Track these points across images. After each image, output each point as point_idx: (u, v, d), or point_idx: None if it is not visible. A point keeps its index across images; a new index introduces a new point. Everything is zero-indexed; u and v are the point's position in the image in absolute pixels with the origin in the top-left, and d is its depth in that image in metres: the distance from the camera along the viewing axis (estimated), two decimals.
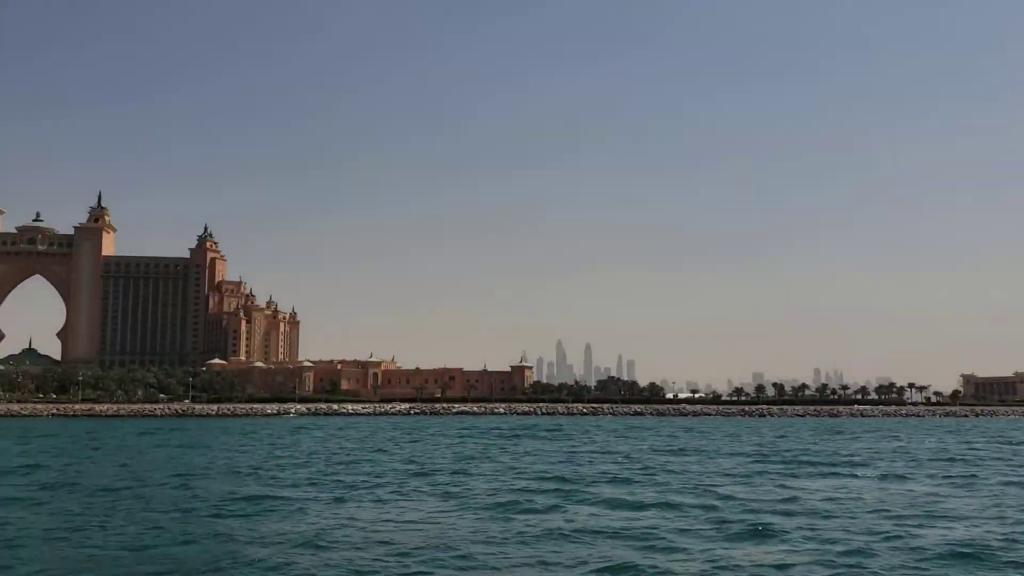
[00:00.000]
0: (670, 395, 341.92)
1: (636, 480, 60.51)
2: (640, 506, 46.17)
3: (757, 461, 78.34)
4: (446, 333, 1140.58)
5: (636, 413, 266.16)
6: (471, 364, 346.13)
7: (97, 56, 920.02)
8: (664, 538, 35.96)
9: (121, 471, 68.46)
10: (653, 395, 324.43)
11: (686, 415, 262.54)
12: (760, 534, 36.71)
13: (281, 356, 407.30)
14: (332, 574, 29.56)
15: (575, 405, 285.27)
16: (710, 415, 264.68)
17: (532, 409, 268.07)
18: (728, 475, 64.48)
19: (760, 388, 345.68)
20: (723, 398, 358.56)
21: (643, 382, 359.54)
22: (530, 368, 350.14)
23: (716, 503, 47.01)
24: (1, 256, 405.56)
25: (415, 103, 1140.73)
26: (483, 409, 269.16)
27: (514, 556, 32.30)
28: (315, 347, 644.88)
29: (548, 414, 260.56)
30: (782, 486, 56.03)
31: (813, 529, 37.97)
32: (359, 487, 55.72)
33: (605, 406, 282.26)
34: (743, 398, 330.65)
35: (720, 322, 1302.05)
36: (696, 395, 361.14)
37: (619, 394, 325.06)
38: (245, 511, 44.26)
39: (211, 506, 46.42)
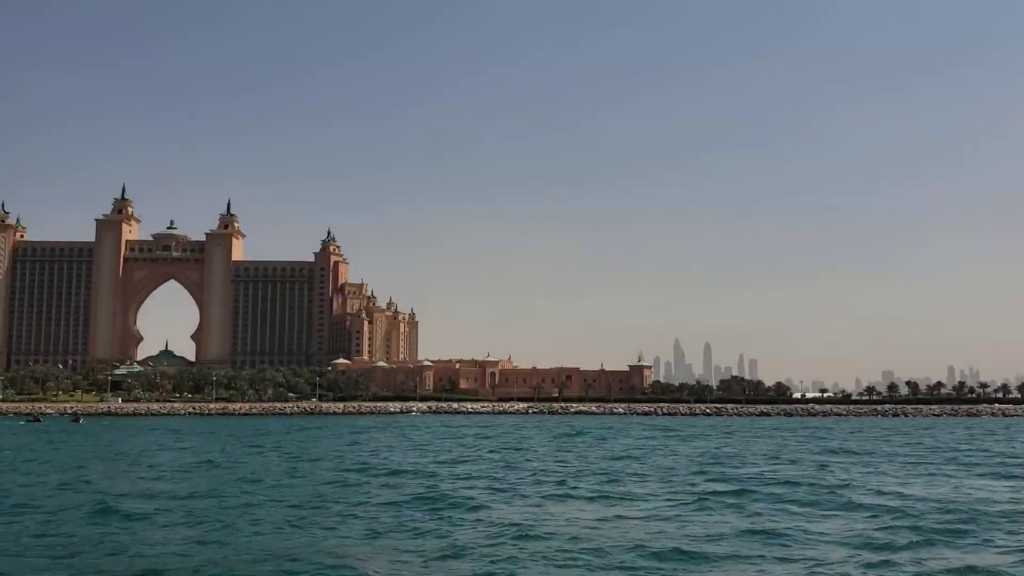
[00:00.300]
0: (797, 395, 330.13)
1: (807, 482, 57.94)
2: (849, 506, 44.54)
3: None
4: (561, 332, 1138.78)
5: (762, 414, 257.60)
6: (587, 364, 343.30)
7: (225, 77, 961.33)
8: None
9: (307, 466, 71.14)
10: (779, 395, 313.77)
11: (815, 415, 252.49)
12: None
13: (401, 356, 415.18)
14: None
15: (697, 405, 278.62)
16: (841, 415, 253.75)
17: (653, 409, 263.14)
18: None
19: (892, 387, 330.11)
20: (853, 397, 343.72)
21: (766, 382, 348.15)
22: (649, 368, 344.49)
23: None
24: (139, 263, 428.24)
25: (539, 100, 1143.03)
26: (602, 409, 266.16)
27: None
28: (432, 346, 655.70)
29: (669, 415, 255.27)
30: None
31: None
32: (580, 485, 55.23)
33: (729, 406, 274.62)
34: (874, 397, 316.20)
35: (847, 320, 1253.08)
36: (824, 394, 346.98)
37: (743, 394, 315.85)
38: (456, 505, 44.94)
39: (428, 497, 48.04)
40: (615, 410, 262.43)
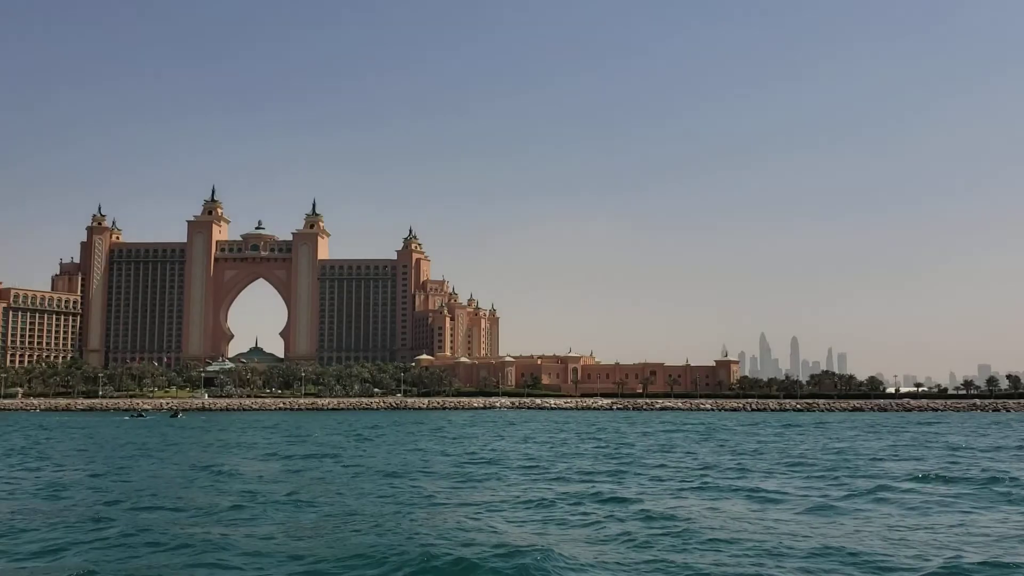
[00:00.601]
0: (890, 389, 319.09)
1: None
2: None
3: None
4: (643, 328, 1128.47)
5: (855, 409, 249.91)
6: (668, 359, 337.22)
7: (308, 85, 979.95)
8: None
9: (434, 460, 71.84)
10: (872, 390, 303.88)
11: (910, 410, 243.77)
12: None
13: (483, 351, 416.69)
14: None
15: (787, 401, 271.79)
16: (938, 410, 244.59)
17: (741, 405, 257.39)
18: None
19: (992, 380, 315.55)
20: (949, 392, 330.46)
21: (857, 376, 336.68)
22: (736, 362, 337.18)
23: None
24: (229, 262, 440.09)
25: (625, 99, 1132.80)
26: (688, 405, 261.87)
27: None
28: (512, 342, 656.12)
29: (758, 410, 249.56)
30: None
31: None
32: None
33: (820, 401, 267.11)
34: (972, 392, 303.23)
35: (940, 313, 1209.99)
36: (919, 389, 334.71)
37: (834, 388, 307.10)
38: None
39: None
40: (702, 406, 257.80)
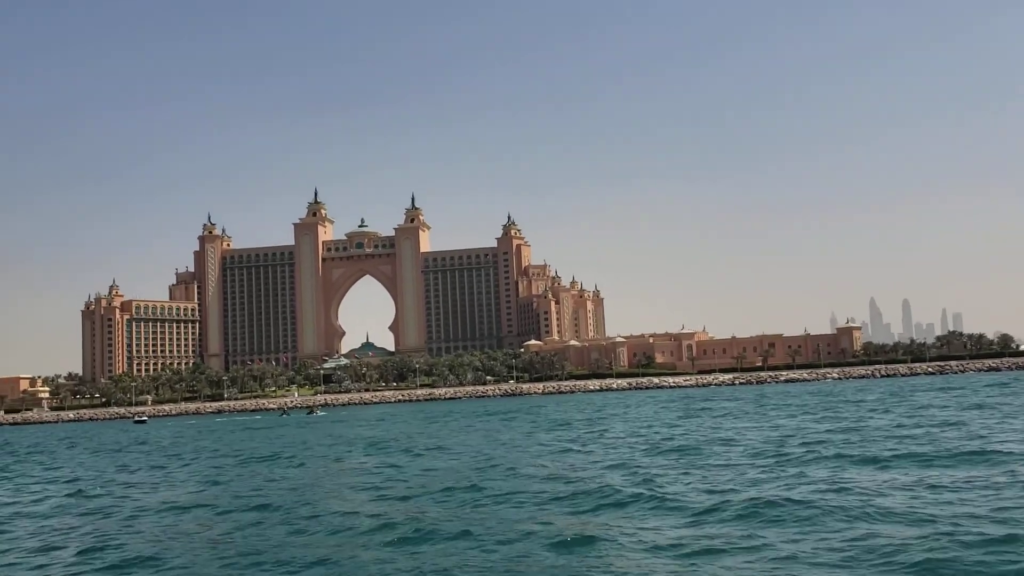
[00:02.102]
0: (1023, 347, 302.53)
1: None
2: None
3: None
4: (745, 301, 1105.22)
5: (991, 369, 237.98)
6: (775, 329, 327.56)
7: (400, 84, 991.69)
8: None
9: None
10: (1003, 348, 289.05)
11: None
12: None
13: (590, 333, 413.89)
14: None
15: (917, 365, 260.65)
16: None
17: (869, 372, 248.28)
18: None
19: None
20: None
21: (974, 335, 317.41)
22: (858, 328, 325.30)
23: None
24: (336, 261, 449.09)
25: (733, 81, 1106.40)
26: (814, 375, 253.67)
27: None
28: (617, 322, 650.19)
29: (888, 376, 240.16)
30: None
31: None
32: None
33: (952, 363, 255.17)
34: None
35: None
36: None
37: (964, 349, 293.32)
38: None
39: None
40: (828, 375, 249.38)
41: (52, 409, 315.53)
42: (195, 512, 40.10)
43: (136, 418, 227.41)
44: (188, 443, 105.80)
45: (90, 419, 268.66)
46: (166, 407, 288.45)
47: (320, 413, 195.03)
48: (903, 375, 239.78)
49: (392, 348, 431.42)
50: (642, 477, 42.76)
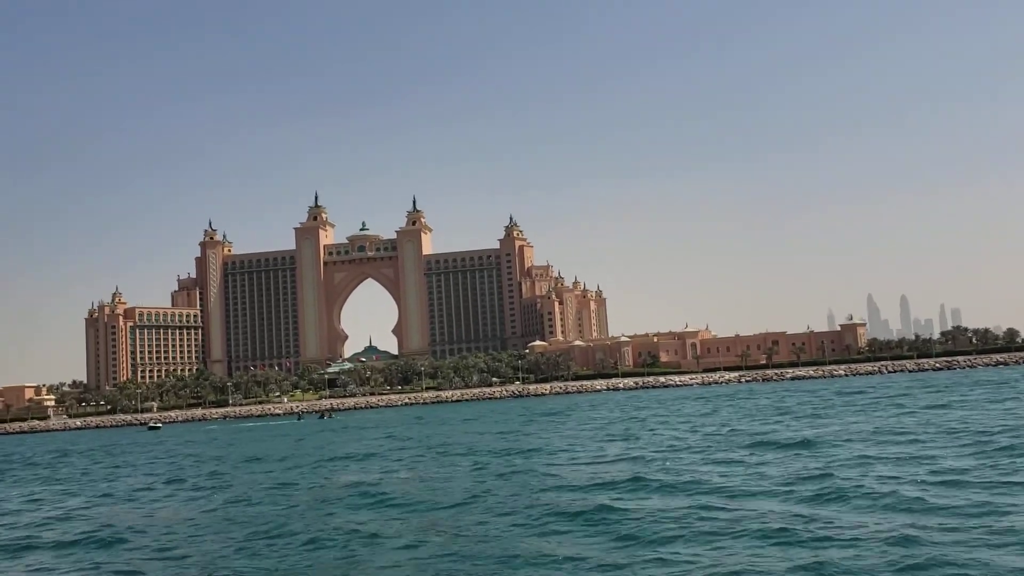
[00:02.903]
0: None
1: None
2: None
3: None
4: (743, 299, 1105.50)
5: (999, 363, 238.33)
6: (772, 326, 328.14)
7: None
8: None
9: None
10: (1010, 342, 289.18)
11: None
12: None
13: (594, 333, 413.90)
14: None
15: (924, 360, 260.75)
16: None
17: (876, 368, 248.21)
18: None
19: None
20: None
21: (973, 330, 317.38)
22: (863, 325, 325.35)
23: None
24: (337, 265, 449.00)
25: (728, 77, 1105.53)
26: (820, 372, 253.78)
27: None
28: (620, 322, 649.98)
29: (895, 372, 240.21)
30: None
31: None
32: None
33: (960, 358, 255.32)
34: None
35: None
36: None
37: (970, 344, 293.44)
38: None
39: None
40: (835, 372, 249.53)
41: (58, 417, 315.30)
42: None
43: (150, 424, 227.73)
44: (298, 446, 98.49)
45: (97, 427, 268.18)
46: (172, 413, 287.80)
47: (336, 417, 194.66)
48: (911, 371, 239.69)
49: (395, 351, 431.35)
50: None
